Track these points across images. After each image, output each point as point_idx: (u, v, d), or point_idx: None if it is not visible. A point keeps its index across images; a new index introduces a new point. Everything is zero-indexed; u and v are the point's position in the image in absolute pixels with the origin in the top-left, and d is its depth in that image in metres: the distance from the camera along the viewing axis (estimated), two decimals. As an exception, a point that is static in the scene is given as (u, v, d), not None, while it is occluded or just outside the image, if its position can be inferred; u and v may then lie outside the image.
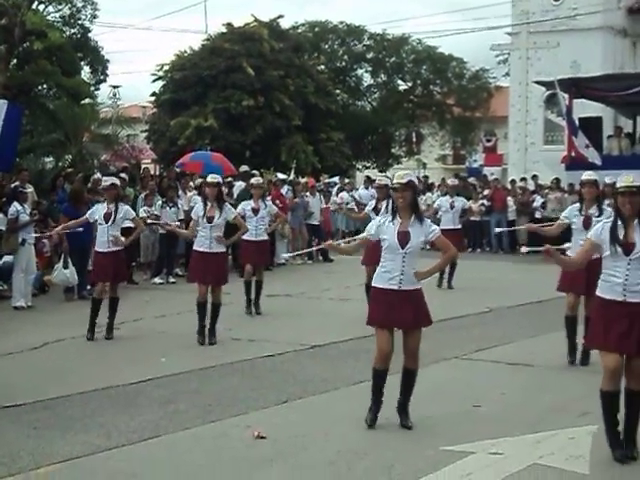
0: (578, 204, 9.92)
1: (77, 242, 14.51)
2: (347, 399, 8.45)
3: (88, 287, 15.35)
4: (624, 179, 6.59)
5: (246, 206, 13.34)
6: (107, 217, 11.54)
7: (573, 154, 24.11)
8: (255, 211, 13.34)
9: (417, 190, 7.49)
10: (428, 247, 7.92)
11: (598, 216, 9.52)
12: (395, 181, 7.30)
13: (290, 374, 9.45)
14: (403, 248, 7.22)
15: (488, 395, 8.34)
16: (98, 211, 11.71)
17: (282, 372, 9.57)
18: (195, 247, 11.40)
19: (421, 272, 7.29)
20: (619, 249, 6.53)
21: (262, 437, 7.03)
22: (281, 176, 23.11)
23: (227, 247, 11.91)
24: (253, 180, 14.28)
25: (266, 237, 13.76)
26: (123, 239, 11.62)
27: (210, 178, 11.55)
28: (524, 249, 8.12)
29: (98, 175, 18.35)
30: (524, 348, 10.88)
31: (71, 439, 7.05)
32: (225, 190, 15.32)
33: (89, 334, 11.35)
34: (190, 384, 8.99)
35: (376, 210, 12.78)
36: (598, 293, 6.72)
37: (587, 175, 9.91)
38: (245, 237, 12.90)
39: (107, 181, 12.13)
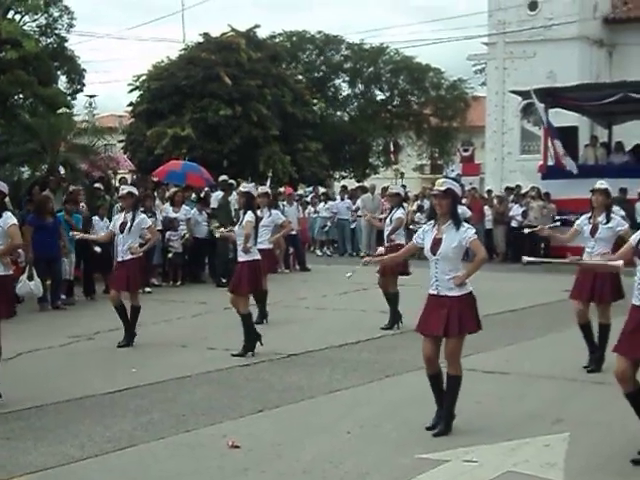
0: (590, 212, 9.95)
1: (43, 253, 14.41)
2: (323, 408, 8.45)
3: (62, 297, 15.30)
4: None
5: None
6: (122, 227, 11.63)
7: (552, 162, 24.23)
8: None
9: (457, 197, 7.56)
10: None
11: (605, 223, 9.70)
12: (435, 188, 7.44)
13: (266, 383, 9.43)
14: (435, 255, 7.34)
15: (463, 403, 8.31)
16: (116, 221, 11.89)
17: (258, 381, 9.54)
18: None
19: (457, 276, 7.32)
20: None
21: (236, 446, 7.01)
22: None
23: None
24: (260, 189, 13.68)
25: (268, 245, 13.32)
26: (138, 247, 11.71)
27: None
28: (525, 259, 8.12)
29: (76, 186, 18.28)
30: (500, 356, 10.90)
31: (45, 450, 7.00)
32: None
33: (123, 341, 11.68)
34: (165, 394, 8.94)
35: (390, 219, 12.76)
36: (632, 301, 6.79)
37: (599, 184, 9.87)
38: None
39: (124, 189, 12.08)
